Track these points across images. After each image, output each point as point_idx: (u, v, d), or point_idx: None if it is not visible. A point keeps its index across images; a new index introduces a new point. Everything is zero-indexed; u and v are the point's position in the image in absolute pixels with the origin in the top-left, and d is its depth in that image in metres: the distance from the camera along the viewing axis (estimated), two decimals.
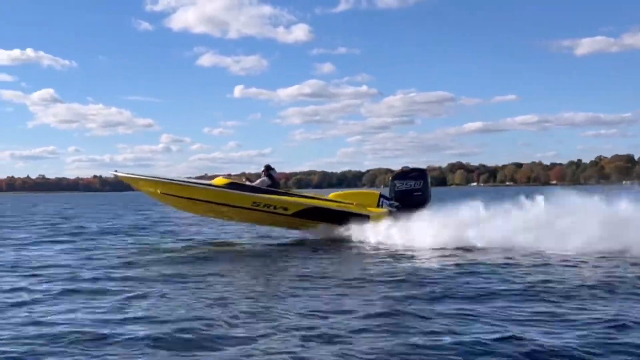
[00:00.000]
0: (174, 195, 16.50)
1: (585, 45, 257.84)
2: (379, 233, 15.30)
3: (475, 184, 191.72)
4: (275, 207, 16.00)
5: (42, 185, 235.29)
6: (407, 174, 16.72)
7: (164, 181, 16.62)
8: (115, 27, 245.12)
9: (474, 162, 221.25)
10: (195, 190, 16.38)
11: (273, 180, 16.96)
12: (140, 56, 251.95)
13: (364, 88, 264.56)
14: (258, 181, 16.89)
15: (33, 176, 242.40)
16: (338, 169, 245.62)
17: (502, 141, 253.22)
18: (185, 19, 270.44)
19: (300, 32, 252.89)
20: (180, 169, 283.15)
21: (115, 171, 17.67)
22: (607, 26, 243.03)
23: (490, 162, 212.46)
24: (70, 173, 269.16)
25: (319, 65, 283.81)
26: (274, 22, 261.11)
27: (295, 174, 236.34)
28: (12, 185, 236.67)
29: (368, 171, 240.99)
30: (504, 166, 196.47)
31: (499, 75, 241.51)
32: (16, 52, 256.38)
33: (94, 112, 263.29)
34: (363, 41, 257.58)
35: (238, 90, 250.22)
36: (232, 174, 19.16)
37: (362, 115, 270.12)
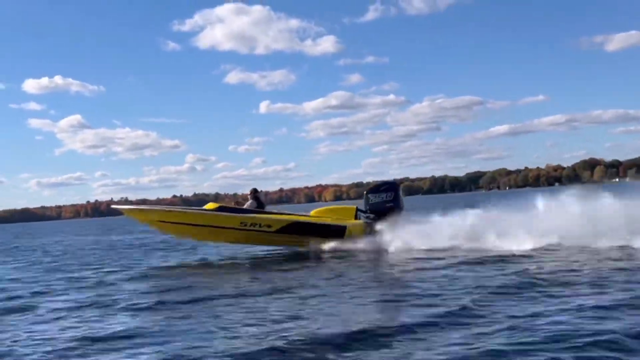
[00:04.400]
0: (169, 222, 18.30)
1: (618, 41, 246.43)
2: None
3: (617, 179, 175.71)
4: (260, 225, 17.90)
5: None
6: (379, 187, 18.78)
7: (160, 210, 18.82)
8: (143, 49, 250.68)
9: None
10: (188, 216, 18.32)
11: (259, 203, 18.72)
12: (167, 77, 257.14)
13: (391, 97, 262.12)
14: (246, 204, 18.79)
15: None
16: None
17: (530, 143, 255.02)
18: (212, 37, 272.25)
19: (327, 44, 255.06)
20: (203, 188, 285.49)
21: (116, 206, 20.26)
22: None
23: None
24: (97, 198, 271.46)
25: (346, 76, 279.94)
26: (302, 35, 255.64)
27: (401, 180, 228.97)
28: (97, 209, 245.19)
29: (485, 173, 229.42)
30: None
31: (528, 75, 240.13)
32: (44, 81, 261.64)
33: (121, 136, 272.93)
34: (392, 49, 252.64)
35: (264, 106, 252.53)
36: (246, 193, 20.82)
37: (388, 125, 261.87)
